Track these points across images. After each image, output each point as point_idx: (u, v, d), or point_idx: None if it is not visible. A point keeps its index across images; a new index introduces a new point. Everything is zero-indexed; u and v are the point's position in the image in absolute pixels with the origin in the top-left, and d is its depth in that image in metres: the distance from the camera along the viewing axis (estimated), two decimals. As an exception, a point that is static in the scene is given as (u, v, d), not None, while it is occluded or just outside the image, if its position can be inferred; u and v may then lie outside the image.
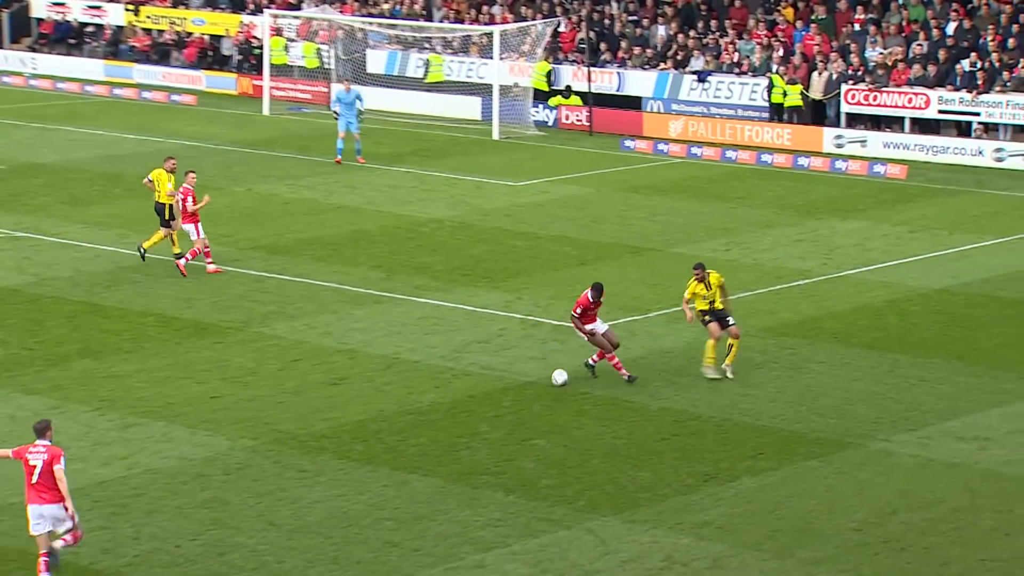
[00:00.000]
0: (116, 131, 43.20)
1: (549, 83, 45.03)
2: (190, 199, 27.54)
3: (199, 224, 27.51)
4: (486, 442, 19.69)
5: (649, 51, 45.00)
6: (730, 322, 22.16)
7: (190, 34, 53.23)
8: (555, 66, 45.47)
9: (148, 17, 54.49)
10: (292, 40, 49.85)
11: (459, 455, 19.24)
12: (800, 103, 41.39)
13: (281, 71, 48.89)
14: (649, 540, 16.82)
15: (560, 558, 16.41)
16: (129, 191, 34.79)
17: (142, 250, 28.16)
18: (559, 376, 21.82)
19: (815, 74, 41.66)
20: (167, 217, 27.97)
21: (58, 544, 15.91)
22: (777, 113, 41.74)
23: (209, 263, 27.72)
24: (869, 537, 16.92)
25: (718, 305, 22.12)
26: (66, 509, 15.74)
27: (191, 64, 52.26)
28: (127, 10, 54.76)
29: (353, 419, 20.45)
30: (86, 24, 55.85)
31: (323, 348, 23.55)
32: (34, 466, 15.85)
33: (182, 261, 27.50)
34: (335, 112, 39.63)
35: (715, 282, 22.09)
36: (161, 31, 53.99)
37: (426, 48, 47.96)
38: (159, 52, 53.42)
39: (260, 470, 18.68)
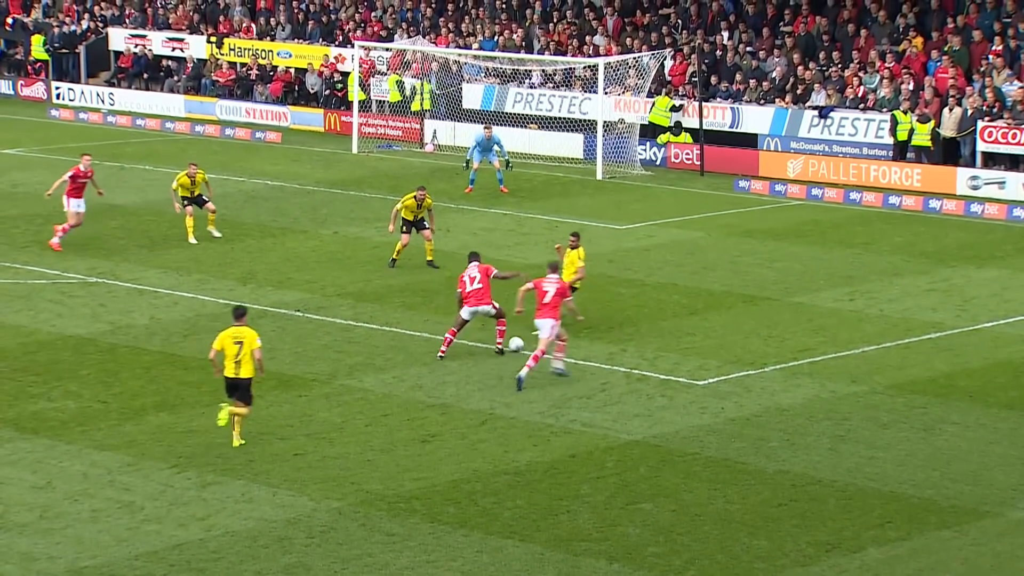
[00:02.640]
0: (197, 170, 43.86)
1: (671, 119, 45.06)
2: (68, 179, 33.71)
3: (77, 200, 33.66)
4: (588, 505, 19.64)
5: (766, 84, 44.91)
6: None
7: (275, 68, 54.05)
8: (677, 101, 45.34)
9: (231, 50, 55.44)
10: (382, 73, 50.43)
11: (559, 519, 19.20)
12: (928, 143, 41.02)
13: (374, 107, 49.44)
14: (765, 615, 16.66)
15: (668, 633, 16.29)
16: (209, 235, 35.26)
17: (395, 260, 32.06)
18: (515, 343, 25.59)
19: (946, 110, 41.31)
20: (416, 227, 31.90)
21: (559, 364, 24.42)
22: (901, 152, 41.42)
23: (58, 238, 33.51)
24: (1008, 616, 16.63)
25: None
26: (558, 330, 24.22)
27: (276, 99, 53.04)
28: (209, 43, 55.75)
29: (445, 479, 20.50)
30: (166, 57, 56.97)
31: (413, 402, 23.66)
32: (546, 291, 24.15)
33: (55, 240, 33.55)
34: (469, 159, 40.54)
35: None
36: (245, 64, 54.90)
37: (522, 83, 48.27)
38: (243, 87, 54.28)
39: (346, 533, 18.77)
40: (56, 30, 58.88)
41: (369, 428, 22.54)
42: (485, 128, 41.85)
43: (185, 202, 34.45)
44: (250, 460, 21.10)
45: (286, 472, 20.70)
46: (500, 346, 25.88)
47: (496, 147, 40.53)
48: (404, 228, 31.76)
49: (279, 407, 23.42)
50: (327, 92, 52.04)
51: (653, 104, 44.76)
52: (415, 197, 31.62)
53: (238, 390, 21.70)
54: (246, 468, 20.82)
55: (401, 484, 20.32)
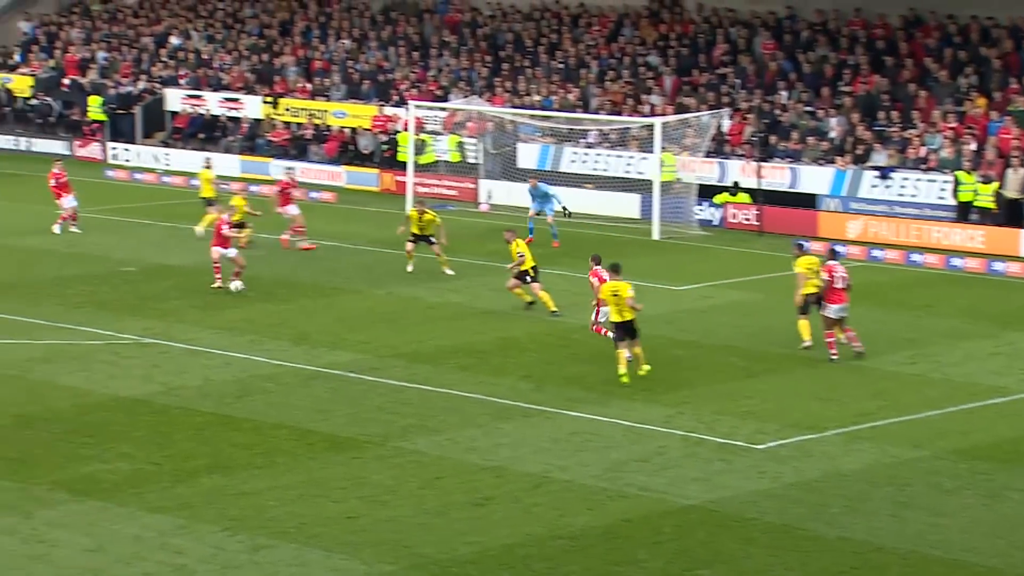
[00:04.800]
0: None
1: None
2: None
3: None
4: (645, 571, 19.52)
5: (825, 144, 44.83)
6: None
7: (330, 127, 54.46)
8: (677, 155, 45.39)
9: (287, 110, 55.93)
10: (438, 134, 50.74)
11: (615, 586, 19.08)
12: (992, 204, 40.78)
13: (428, 167, 49.77)
14: None
15: None
16: (264, 295, 35.46)
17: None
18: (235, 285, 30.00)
19: (1010, 170, 41.09)
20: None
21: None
22: (963, 213, 41.20)
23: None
24: None
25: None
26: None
27: (331, 159, 53.41)
28: (265, 102, 56.28)
29: (499, 543, 20.42)
30: (223, 117, 57.53)
31: (467, 465, 23.61)
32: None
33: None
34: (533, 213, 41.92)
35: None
36: (300, 124, 55.34)
37: (578, 143, 48.43)
38: (298, 147, 54.71)
39: (398, 598, 18.71)
40: (112, 91, 59.62)
41: (422, 491, 22.51)
42: (530, 179, 42.28)
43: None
44: (302, 523, 21.11)
45: (339, 535, 20.69)
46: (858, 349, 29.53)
47: (545, 196, 41.14)
48: (411, 238, 36.41)
49: (332, 469, 23.44)
50: (383, 152, 52.38)
51: (662, 162, 44.52)
52: (415, 209, 36.12)
53: (626, 330, 27.29)
54: (298, 531, 20.82)
55: (455, 548, 20.25)
